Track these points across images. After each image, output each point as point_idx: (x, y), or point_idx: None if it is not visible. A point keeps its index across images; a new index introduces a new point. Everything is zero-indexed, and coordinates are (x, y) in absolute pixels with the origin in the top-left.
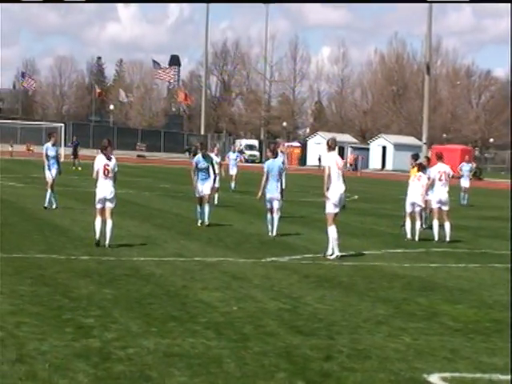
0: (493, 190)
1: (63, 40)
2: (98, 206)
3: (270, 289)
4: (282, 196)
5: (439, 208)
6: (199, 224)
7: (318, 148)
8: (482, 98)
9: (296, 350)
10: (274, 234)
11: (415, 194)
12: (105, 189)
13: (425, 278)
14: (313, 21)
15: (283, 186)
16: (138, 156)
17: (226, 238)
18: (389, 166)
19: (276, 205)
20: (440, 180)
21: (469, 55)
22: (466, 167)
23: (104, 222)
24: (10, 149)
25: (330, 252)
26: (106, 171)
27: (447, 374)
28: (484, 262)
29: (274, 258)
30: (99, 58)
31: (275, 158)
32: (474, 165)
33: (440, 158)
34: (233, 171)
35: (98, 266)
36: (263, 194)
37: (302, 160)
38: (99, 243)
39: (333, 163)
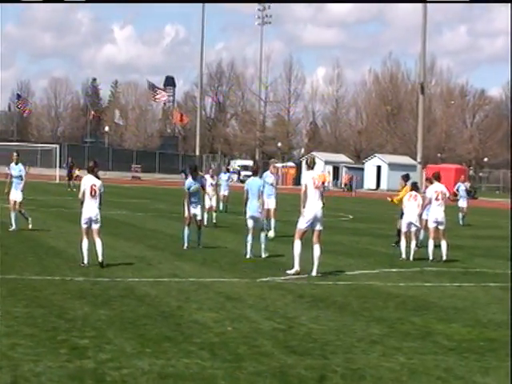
0: (487, 209)
1: (59, 62)
2: (84, 226)
3: (265, 309)
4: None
5: (436, 227)
6: (185, 247)
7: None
8: (476, 117)
9: (290, 369)
10: (264, 255)
11: (412, 213)
12: (91, 209)
13: (419, 297)
14: (307, 41)
15: (274, 206)
16: (133, 177)
17: (221, 259)
18: (383, 185)
19: (257, 223)
20: (436, 200)
21: (463, 75)
22: (462, 187)
23: (91, 243)
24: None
25: (293, 269)
26: (93, 191)
27: None
28: (478, 280)
29: (268, 278)
30: (94, 79)
31: (255, 176)
32: (468, 184)
33: (437, 178)
34: (225, 192)
35: (92, 287)
36: (245, 212)
37: (297, 180)
38: (85, 265)
39: (309, 181)
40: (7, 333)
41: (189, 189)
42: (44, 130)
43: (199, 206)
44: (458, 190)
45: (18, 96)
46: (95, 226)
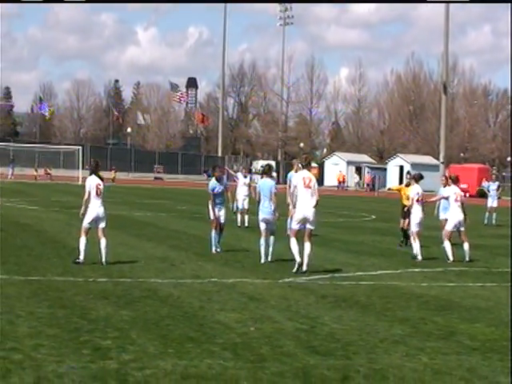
0: (510, 208)
1: (82, 64)
2: (87, 225)
3: (287, 309)
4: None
5: (458, 230)
6: (214, 251)
7: (335, 168)
8: (499, 116)
9: (313, 370)
10: (269, 259)
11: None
12: (97, 209)
13: (442, 297)
14: (331, 41)
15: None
16: (156, 178)
17: (243, 260)
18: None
19: (270, 226)
20: (456, 201)
21: (486, 74)
22: (493, 186)
23: (88, 241)
24: (35, 173)
25: (304, 268)
26: (99, 191)
27: None
28: (501, 280)
29: (291, 279)
30: (117, 80)
31: (267, 177)
32: (497, 183)
33: (455, 181)
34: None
35: (115, 288)
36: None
37: (320, 181)
38: (80, 262)
39: (300, 182)
40: (30, 334)
41: (213, 190)
42: (67, 132)
43: (223, 209)
44: (488, 189)
45: (40, 99)
46: (102, 225)
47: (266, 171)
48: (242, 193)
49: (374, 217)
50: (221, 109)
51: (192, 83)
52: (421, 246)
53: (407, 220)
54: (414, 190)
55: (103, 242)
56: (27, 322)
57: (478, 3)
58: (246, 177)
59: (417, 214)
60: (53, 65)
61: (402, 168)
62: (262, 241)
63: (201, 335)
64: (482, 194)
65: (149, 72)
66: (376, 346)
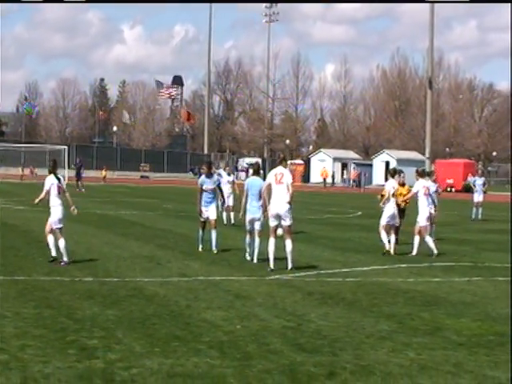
0: (496, 203)
1: (68, 63)
2: (54, 225)
3: (274, 307)
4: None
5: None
6: (200, 249)
7: (321, 165)
8: (484, 111)
9: (300, 367)
10: (255, 260)
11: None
12: (60, 208)
13: (428, 292)
14: (317, 38)
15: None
16: (142, 177)
17: (230, 257)
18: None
19: (257, 226)
20: (425, 195)
21: (473, 69)
22: (479, 181)
23: (67, 241)
24: (21, 172)
25: (289, 266)
26: (61, 190)
27: None
28: (487, 275)
29: (277, 276)
30: (102, 79)
31: (257, 175)
32: (484, 178)
33: (422, 174)
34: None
35: (101, 288)
36: (244, 213)
37: (306, 177)
38: (55, 259)
39: (272, 178)
40: (17, 334)
41: (201, 186)
42: (52, 131)
43: (213, 206)
44: (474, 184)
45: (25, 98)
46: (61, 225)
47: (256, 170)
48: (225, 190)
49: (360, 213)
50: (207, 106)
51: (178, 81)
52: (393, 240)
53: (402, 220)
54: (390, 185)
55: (62, 242)
56: (13, 322)
57: (478, 3)
58: (229, 175)
59: (390, 208)
60: (39, 64)
61: (388, 164)
62: (248, 240)
63: (187, 334)
64: (468, 189)
65: (135, 70)
66: (362, 342)
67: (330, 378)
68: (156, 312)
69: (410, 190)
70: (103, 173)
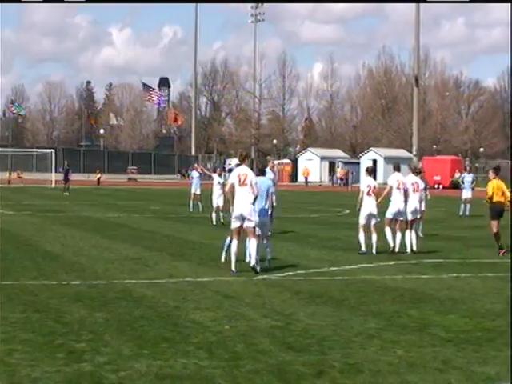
0: (483, 199)
1: (56, 66)
2: None
3: (262, 306)
4: (271, 217)
5: (396, 219)
6: (223, 260)
7: (308, 164)
8: (471, 108)
9: (288, 366)
10: (267, 264)
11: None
12: None
13: (416, 289)
14: (305, 37)
15: (274, 204)
16: (130, 179)
17: (218, 258)
18: (380, 179)
19: (265, 231)
20: (398, 189)
21: (460, 66)
22: (468, 178)
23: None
24: (8, 176)
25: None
26: None
27: None
28: (476, 271)
29: (265, 276)
30: (88, 82)
31: (263, 175)
32: (472, 175)
33: (396, 168)
34: (196, 191)
35: (89, 290)
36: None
37: (293, 177)
38: None
39: (235, 179)
40: (4, 339)
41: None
42: (39, 135)
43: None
44: (463, 180)
45: (12, 101)
46: None
47: (261, 170)
48: (216, 191)
49: (348, 211)
50: (193, 108)
51: (164, 83)
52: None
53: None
54: (365, 183)
55: None
56: (1, 327)
57: (478, 3)
58: (220, 176)
59: (367, 206)
60: (26, 67)
61: (375, 162)
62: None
63: (175, 335)
64: (456, 186)
65: (124, 72)
66: (351, 340)
67: (318, 377)
68: (144, 314)
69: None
70: (97, 175)
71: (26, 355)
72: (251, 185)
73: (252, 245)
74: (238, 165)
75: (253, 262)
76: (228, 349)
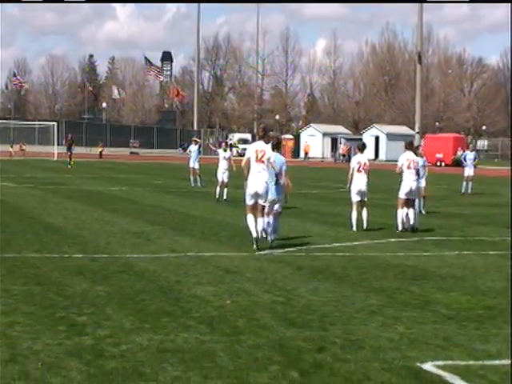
0: (486, 177)
1: (59, 39)
2: None
3: (264, 282)
4: (285, 196)
5: (361, 199)
6: (255, 247)
7: (311, 140)
8: (474, 85)
9: (289, 342)
10: (272, 237)
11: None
12: None
13: (418, 266)
14: (309, 13)
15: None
16: (132, 153)
17: (220, 232)
18: (382, 156)
19: (276, 207)
20: (359, 171)
21: (461, 43)
22: (470, 156)
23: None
24: (11, 149)
25: (254, 245)
26: None
27: (440, 362)
28: (477, 249)
29: (267, 251)
30: (91, 55)
31: (277, 151)
32: (474, 153)
33: (361, 149)
34: (195, 165)
35: (91, 264)
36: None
37: (296, 152)
38: None
39: (252, 155)
40: (5, 311)
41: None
42: (41, 108)
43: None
44: (465, 158)
45: (14, 74)
46: None
47: (276, 145)
48: (222, 166)
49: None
50: (196, 82)
51: (167, 57)
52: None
53: None
54: (355, 159)
55: None
56: (2, 299)
57: (478, 3)
58: (225, 151)
59: (357, 182)
60: (30, 41)
61: (377, 138)
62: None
63: (177, 309)
64: (458, 163)
65: (127, 47)
66: (352, 316)
67: (319, 353)
68: (146, 288)
69: None
70: (99, 149)
71: (27, 328)
72: (269, 162)
73: (264, 222)
74: (274, 142)
75: (270, 238)
76: (229, 324)
